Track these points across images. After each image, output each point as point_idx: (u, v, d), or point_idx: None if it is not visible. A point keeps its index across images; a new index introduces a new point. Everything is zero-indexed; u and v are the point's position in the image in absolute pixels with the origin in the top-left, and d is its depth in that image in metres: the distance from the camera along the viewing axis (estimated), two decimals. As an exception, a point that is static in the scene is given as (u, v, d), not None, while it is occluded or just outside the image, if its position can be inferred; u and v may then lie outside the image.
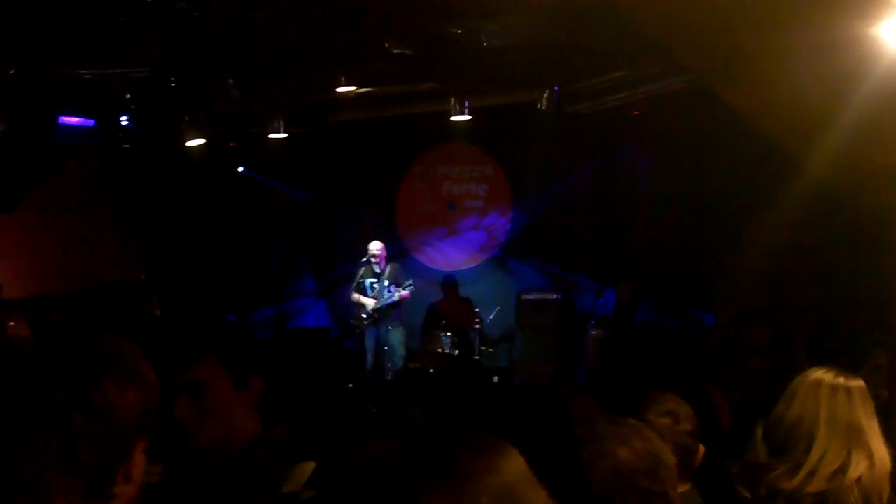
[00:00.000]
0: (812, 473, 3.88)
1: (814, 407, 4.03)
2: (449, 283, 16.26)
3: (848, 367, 4.27)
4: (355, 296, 15.17)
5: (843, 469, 3.88)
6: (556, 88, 13.61)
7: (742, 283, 12.35)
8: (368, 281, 15.00)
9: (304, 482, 3.51)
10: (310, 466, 3.56)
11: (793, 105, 8.90)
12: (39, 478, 1.97)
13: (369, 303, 14.95)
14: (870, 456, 3.92)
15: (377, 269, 15.05)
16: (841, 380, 4.09)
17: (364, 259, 15.02)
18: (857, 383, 4.11)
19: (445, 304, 15.90)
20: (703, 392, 5.10)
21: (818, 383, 4.10)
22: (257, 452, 3.55)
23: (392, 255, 15.64)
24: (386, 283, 14.89)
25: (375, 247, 15.13)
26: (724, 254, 13.05)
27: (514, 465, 1.66)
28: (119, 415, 2.05)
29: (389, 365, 14.74)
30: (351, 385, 14.05)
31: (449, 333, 14.64)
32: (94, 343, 2.16)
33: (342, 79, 13.42)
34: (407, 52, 12.04)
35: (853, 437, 3.94)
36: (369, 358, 15.01)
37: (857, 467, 3.88)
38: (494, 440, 1.67)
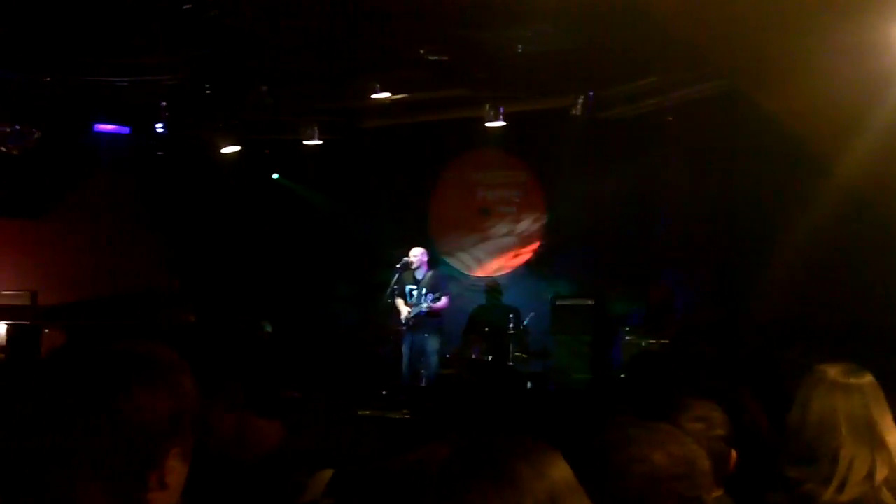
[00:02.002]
0: (843, 483, 3.88)
1: (831, 412, 4.01)
2: (491, 288, 16.22)
3: (878, 367, 4.27)
4: (396, 300, 15.07)
5: (870, 474, 3.88)
6: (590, 94, 13.61)
7: (774, 286, 12.31)
8: (408, 287, 14.91)
9: (323, 490, 3.53)
10: (327, 474, 3.58)
11: (824, 108, 8.88)
12: (68, 481, 1.99)
13: (405, 310, 14.90)
14: (890, 452, 3.93)
15: (418, 276, 14.97)
16: (851, 379, 4.08)
17: (399, 265, 14.89)
18: (867, 379, 4.09)
19: (486, 310, 15.87)
20: (737, 398, 5.08)
21: (831, 387, 4.08)
22: (279, 460, 3.57)
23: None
24: (424, 290, 14.82)
25: (416, 252, 15.02)
26: (756, 257, 13.01)
27: (560, 472, 1.68)
28: (147, 420, 2.05)
29: (424, 371, 14.68)
30: (385, 392, 14.05)
31: (484, 339, 14.61)
32: (124, 348, 2.17)
33: (376, 85, 13.43)
34: (441, 58, 12.06)
35: (873, 438, 3.93)
36: (405, 364, 14.97)
37: (883, 469, 3.89)
38: (542, 447, 1.69)
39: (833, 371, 4.14)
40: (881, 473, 3.88)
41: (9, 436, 2.03)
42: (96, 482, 1.99)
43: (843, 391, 4.04)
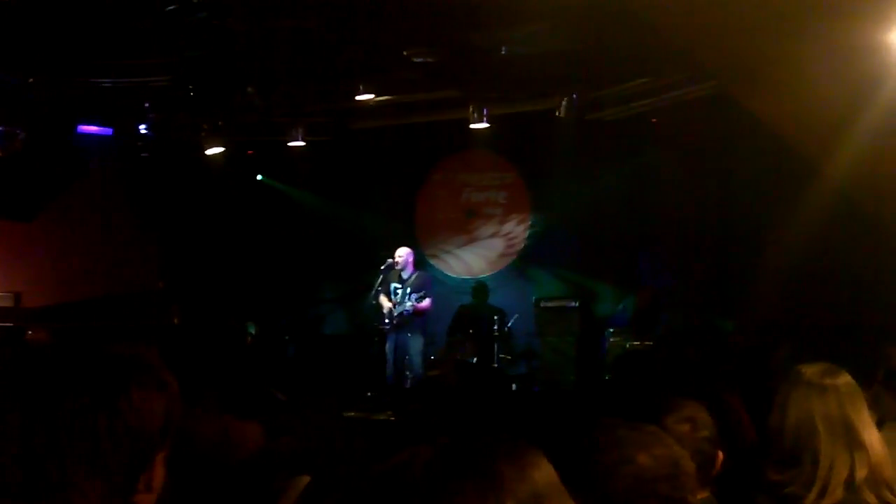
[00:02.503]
0: (825, 486, 3.90)
1: (808, 415, 4.04)
2: (477, 289, 16.22)
3: (869, 370, 4.28)
4: (380, 299, 14.97)
5: (851, 475, 3.90)
6: (574, 96, 13.61)
7: (764, 288, 12.34)
8: (393, 285, 14.84)
9: (298, 496, 3.52)
10: (304, 480, 3.56)
11: (813, 111, 8.91)
12: (63, 479, 1.98)
13: (387, 306, 14.84)
14: (867, 450, 3.95)
15: (404, 275, 14.90)
16: (826, 380, 4.11)
17: (385, 266, 14.84)
18: (842, 380, 4.13)
19: (471, 310, 15.86)
20: (723, 400, 5.08)
21: (807, 389, 4.10)
22: (262, 463, 3.56)
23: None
24: (409, 290, 14.74)
25: (402, 252, 14.96)
26: (746, 260, 13.04)
27: (544, 473, 1.66)
28: (144, 421, 2.06)
29: (408, 373, 14.63)
30: (370, 393, 14.03)
31: (468, 340, 14.59)
32: (121, 349, 2.17)
33: (362, 87, 13.42)
34: (427, 60, 12.05)
35: (851, 438, 3.97)
36: (389, 365, 14.89)
37: (862, 469, 3.91)
38: (525, 447, 1.67)
39: (808, 372, 4.18)
40: (861, 473, 3.91)
41: (4, 436, 2.01)
42: (93, 484, 1.98)
43: (819, 392, 4.08)
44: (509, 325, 15.29)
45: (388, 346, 14.85)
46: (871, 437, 4.01)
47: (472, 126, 14.50)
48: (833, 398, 4.04)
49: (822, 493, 3.88)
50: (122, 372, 2.09)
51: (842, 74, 7.72)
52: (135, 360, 2.14)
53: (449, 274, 17.84)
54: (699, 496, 3.14)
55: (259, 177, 18.41)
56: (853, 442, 3.96)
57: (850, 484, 3.88)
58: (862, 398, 4.10)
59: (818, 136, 9.71)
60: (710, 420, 3.82)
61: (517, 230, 17.56)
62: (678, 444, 3.04)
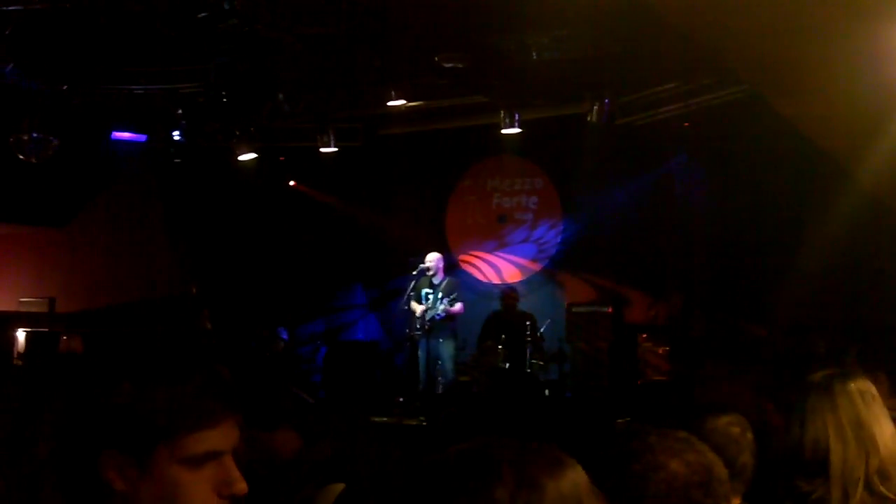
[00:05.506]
0: (846, 488, 3.87)
1: (822, 420, 4.01)
2: (508, 294, 16.14)
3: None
4: (412, 304, 14.95)
5: (866, 472, 3.88)
6: (606, 101, 13.60)
7: (795, 293, 12.29)
8: (424, 291, 14.83)
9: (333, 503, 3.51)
10: (338, 488, 3.56)
11: (843, 114, 8.87)
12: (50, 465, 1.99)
13: (419, 309, 14.82)
14: (879, 445, 3.93)
15: (435, 281, 14.89)
16: (836, 384, 4.06)
17: (416, 271, 14.82)
18: (854, 384, 4.06)
19: (502, 316, 15.79)
20: (757, 404, 5.06)
21: (817, 396, 4.07)
22: (295, 470, 3.55)
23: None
24: (440, 295, 14.74)
25: (432, 257, 14.92)
26: (777, 264, 12.98)
27: (577, 479, 1.66)
28: (137, 413, 2.03)
29: (440, 378, 14.63)
30: (402, 398, 14.02)
31: (500, 346, 14.52)
32: (122, 347, 2.16)
33: (393, 92, 13.44)
34: (457, 65, 12.06)
35: (862, 435, 3.93)
36: (422, 370, 14.86)
37: (874, 460, 3.88)
38: (560, 454, 1.68)
39: (818, 378, 4.13)
40: (873, 466, 3.87)
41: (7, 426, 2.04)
42: (78, 470, 1.99)
43: (829, 397, 4.03)
44: (542, 330, 15.20)
45: (421, 352, 14.83)
46: (884, 431, 3.98)
47: (503, 131, 14.50)
48: (844, 400, 4.01)
49: (845, 497, 3.87)
50: (115, 365, 2.08)
51: (872, 77, 7.69)
52: (133, 354, 2.13)
53: (480, 279, 17.81)
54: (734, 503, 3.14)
55: (291, 182, 18.44)
56: (865, 439, 3.93)
57: (868, 482, 3.87)
58: (874, 397, 4.05)
59: (848, 138, 9.68)
60: (749, 424, 3.83)
61: (548, 235, 17.53)
62: (734, 446, 3.05)
